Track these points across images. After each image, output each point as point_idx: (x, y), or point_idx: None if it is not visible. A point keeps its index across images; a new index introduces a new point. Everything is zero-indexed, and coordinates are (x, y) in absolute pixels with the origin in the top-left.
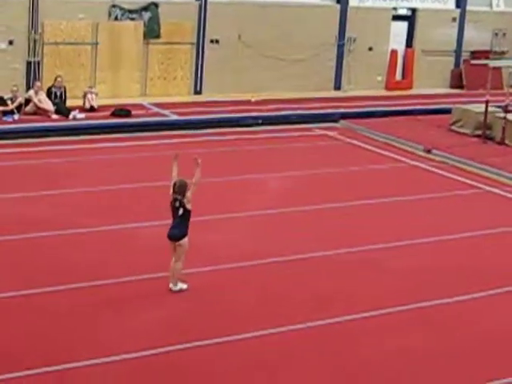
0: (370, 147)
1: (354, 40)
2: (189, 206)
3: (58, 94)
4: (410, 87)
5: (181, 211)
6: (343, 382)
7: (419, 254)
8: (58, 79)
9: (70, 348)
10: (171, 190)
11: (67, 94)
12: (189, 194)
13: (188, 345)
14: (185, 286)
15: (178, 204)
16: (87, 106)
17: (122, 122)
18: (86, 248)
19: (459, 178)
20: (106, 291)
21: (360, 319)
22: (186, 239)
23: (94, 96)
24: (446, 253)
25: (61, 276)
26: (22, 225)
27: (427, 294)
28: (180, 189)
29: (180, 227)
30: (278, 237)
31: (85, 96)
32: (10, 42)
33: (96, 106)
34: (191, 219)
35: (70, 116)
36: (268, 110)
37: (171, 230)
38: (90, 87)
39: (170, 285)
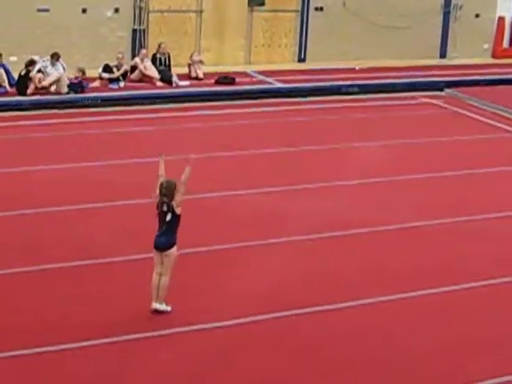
0: (476, 116)
1: (461, 7)
2: (178, 211)
3: (163, 59)
4: None
5: (169, 217)
6: (453, 351)
7: None
8: (162, 45)
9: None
10: (157, 192)
11: (171, 62)
12: (178, 196)
13: (293, 312)
14: (169, 309)
15: (165, 208)
16: (193, 75)
17: (226, 89)
18: (191, 214)
19: None
20: (210, 256)
21: (470, 288)
22: (174, 249)
23: (200, 65)
24: None
25: None
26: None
27: None
28: (168, 190)
29: (168, 235)
30: (379, 206)
31: (190, 66)
32: (116, 10)
33: (202, 76)
34: None
35: (173, 83)
36: (372, 79)
37: (158, 239)
38: (196, 56)
39: (154, 304)
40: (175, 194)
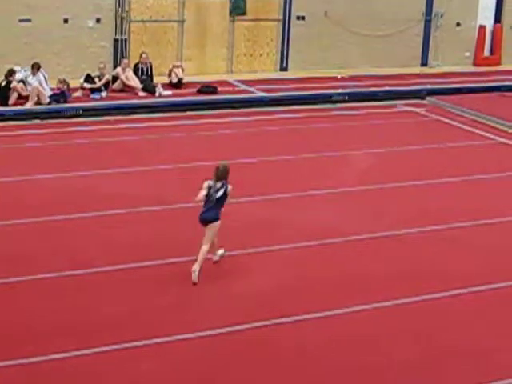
0: (457, 124)
1: (442, 15)
2: (229, 191)
3: (145, 69)
4: (499, 63)
5: (220, 193)
6: (434, 358)
7: (508, 232)
8: (143, 55)
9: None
10: (204, 186)
11: (153, 71)
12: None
13: (276, 321)
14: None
15: (219, 185)
16: (174, 80)
17: (209, 98)
18: (176, 223)
19: None
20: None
21: (449, 297)
22: (218, 222)
23: (180, 70)
24: None
25: (160, 250)
26: (109, 200)
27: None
28: (223, 173)
29: (215, 210)
30: (365, 214)
31: (170, 72)
32: (98, 20)
33: (183, 78)
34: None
35: (156, 93)
36: (354, 87)
37: (204, 214)
38: (176, 64)
39: (195, 265)
40: (228, 178)
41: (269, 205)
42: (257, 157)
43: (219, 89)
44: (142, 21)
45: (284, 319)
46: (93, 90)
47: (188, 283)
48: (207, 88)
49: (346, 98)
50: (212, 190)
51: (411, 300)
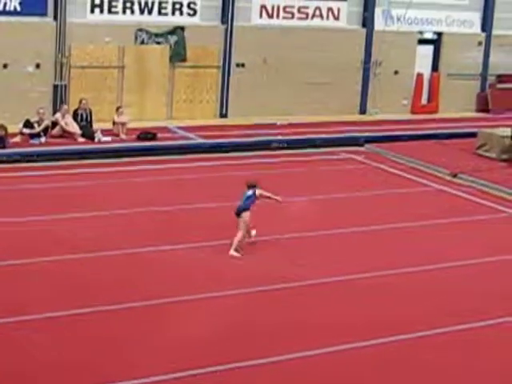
0: (395, 171)
1: (380, 64)
2: (257, 193)
3: (84, 115)
4: (436, 111)
5: (250, 192)
6: None
7: (446, 279)
8: (83, 101)
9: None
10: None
11: (93, 117)
12: (260, 190)
13: (218, 367)
14: (239, 255)
15: (250, 192)
16: (116, 131)
17: (148, 145)
18: (114, 270)
19: (485, 202)
20: (140, 312)
21: (378, 345)
22: (247, 213)
23: (124, 127)
24: (472, 278)
25: (91, 297)
26: (50, 247)
27: (455, 317)
28: (252, 183)
29: (245, 204)
30: (299, 261)
31: (114, 124)
32: (37, 66)
33: (124, 137)
34: None
35: (96, 139)
36: (293, 134)
37: (237, 208)
38: (120, 110)
39: (231, 251)
40: (257, 186)
41: (208, 251)
42: (198, 203)
43: (159, 135)
44: (82, 67)
45: (219, 367)
46: (32, 136)
47: (133, 328)
48: (147, 134)
49: (285, 145)
50: (244, 195)
51: (346, 347)
